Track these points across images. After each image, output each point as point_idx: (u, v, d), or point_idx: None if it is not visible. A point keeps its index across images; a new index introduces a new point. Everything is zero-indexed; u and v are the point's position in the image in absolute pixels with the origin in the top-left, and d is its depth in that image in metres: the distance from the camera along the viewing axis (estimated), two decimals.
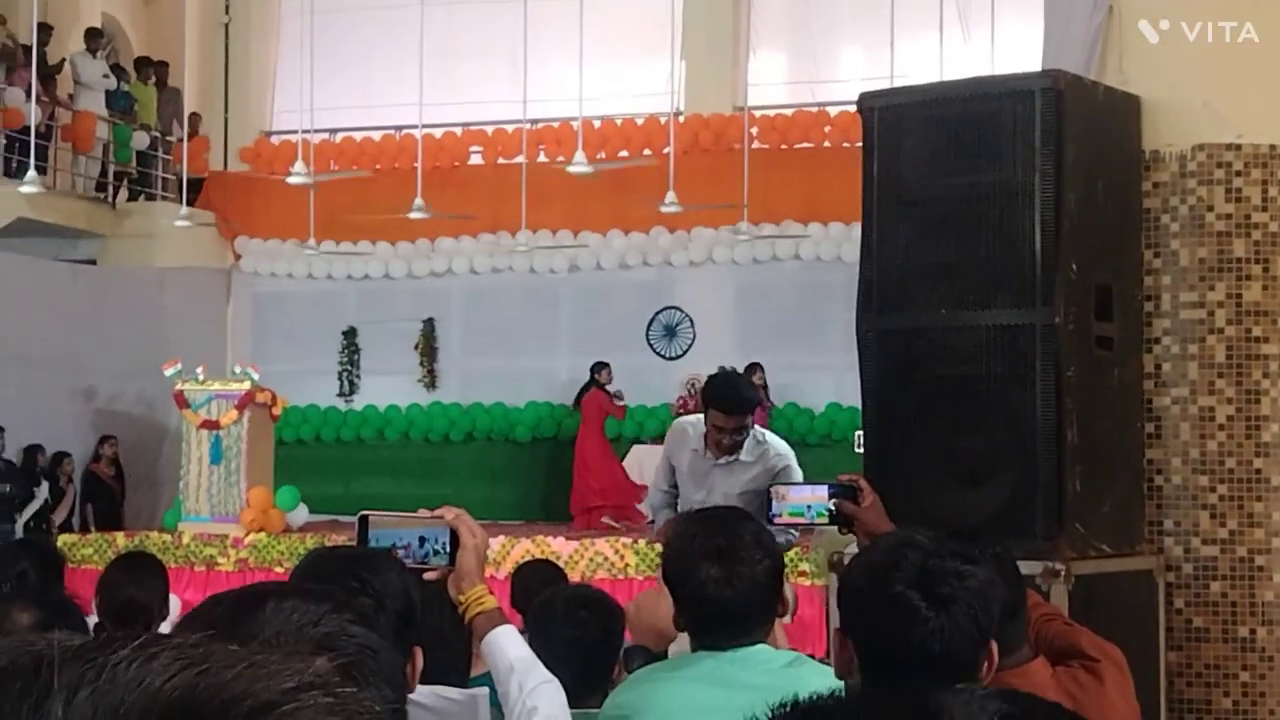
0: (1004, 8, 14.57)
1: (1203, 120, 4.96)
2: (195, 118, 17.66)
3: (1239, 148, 4.94)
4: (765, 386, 15.37)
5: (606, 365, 15.57)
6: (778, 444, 6.02)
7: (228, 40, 18.58)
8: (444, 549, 2.81)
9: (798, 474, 5.77)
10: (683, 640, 3.17)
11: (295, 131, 16.23)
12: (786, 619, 3.46)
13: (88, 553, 13.08)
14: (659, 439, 16.11)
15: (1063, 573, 4.36)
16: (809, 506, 3.76)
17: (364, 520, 2.85)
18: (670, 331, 16.77)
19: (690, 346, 16.63)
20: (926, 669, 2.16)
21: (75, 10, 17.22)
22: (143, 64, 17.84)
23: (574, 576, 11.02)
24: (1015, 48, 12.91)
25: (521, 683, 2.73)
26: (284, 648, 1.61)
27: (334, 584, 2.12)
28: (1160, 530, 4.88)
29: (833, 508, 3.68)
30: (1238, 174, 4.93)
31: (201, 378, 13.89)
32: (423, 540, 2.82)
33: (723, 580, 2.88)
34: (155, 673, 0.71)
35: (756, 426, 5.99)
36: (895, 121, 4.91)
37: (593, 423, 15.55)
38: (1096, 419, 4.65)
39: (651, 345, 16.75)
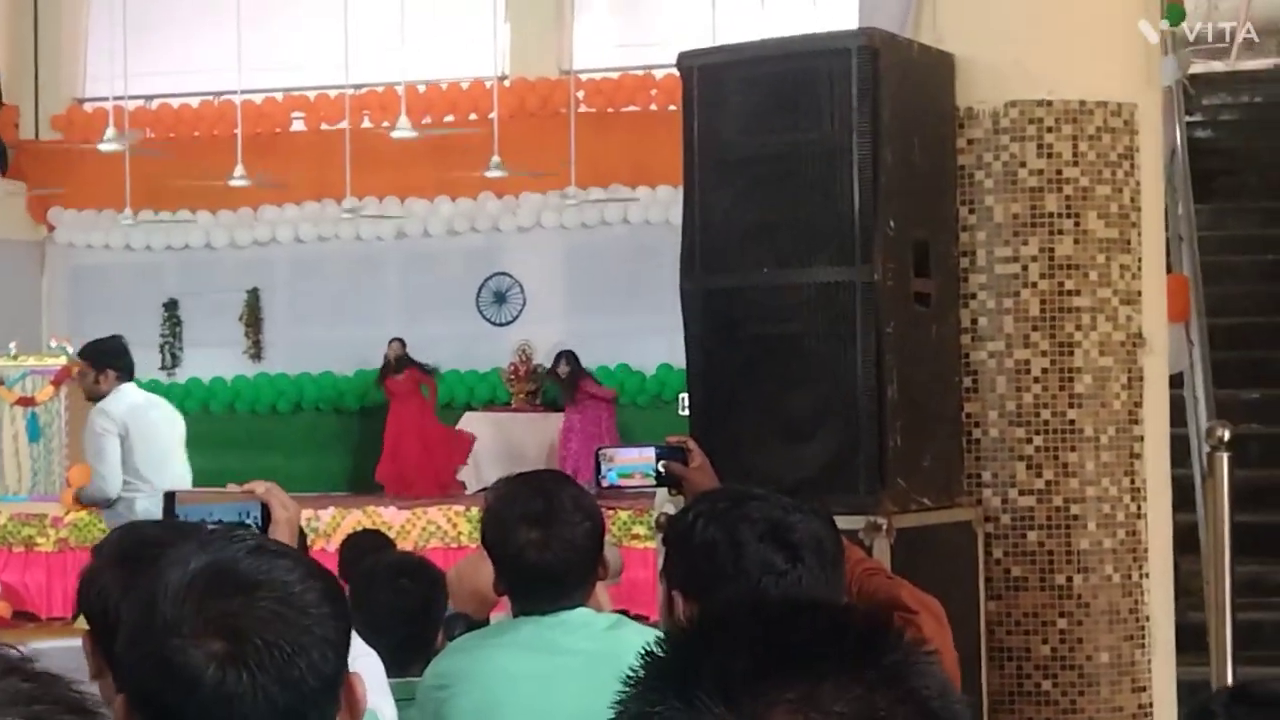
0: None
1: (1015, 77, 5.02)
2: None
3: (1050, 104, 5.01)
4: (572, 371, 15.25)
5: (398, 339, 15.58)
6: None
7: (36, 5, 17.97)
8: (256, 524, 2.73)
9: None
10: (505, 606, 3.14)
11: (108, 98, 15.78)
12: (610, 581, 3.44)
13: None
14: (490, 405, 16.10)
15: (885, 527, 4.40)
16: (637, 468, 3.74)
17: (170, 497, 2.76)
18: (500, 298, 16.69)
19: (521, 312, 16.57)
20: None
21: None
22: None
23: (406, 546, 10.92)
24: (835, 5, 13.01)
25: None
26: None
27: (143, 563, 1.99)
28: (979, 482, 4.96)
29: (661, 469, 3.67)
30: (1049, 130, 5.00)
31: (14, 353, 13.48)
32: (233, 516, 2.74)
33: (541, 544, 2.85)
34: None
35: (122, 388, 7.80)
36: (714, 80, 4.90)
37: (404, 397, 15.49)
38: (916, 375, 4.70)
39: (481, 312, 16.65)
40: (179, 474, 7.74)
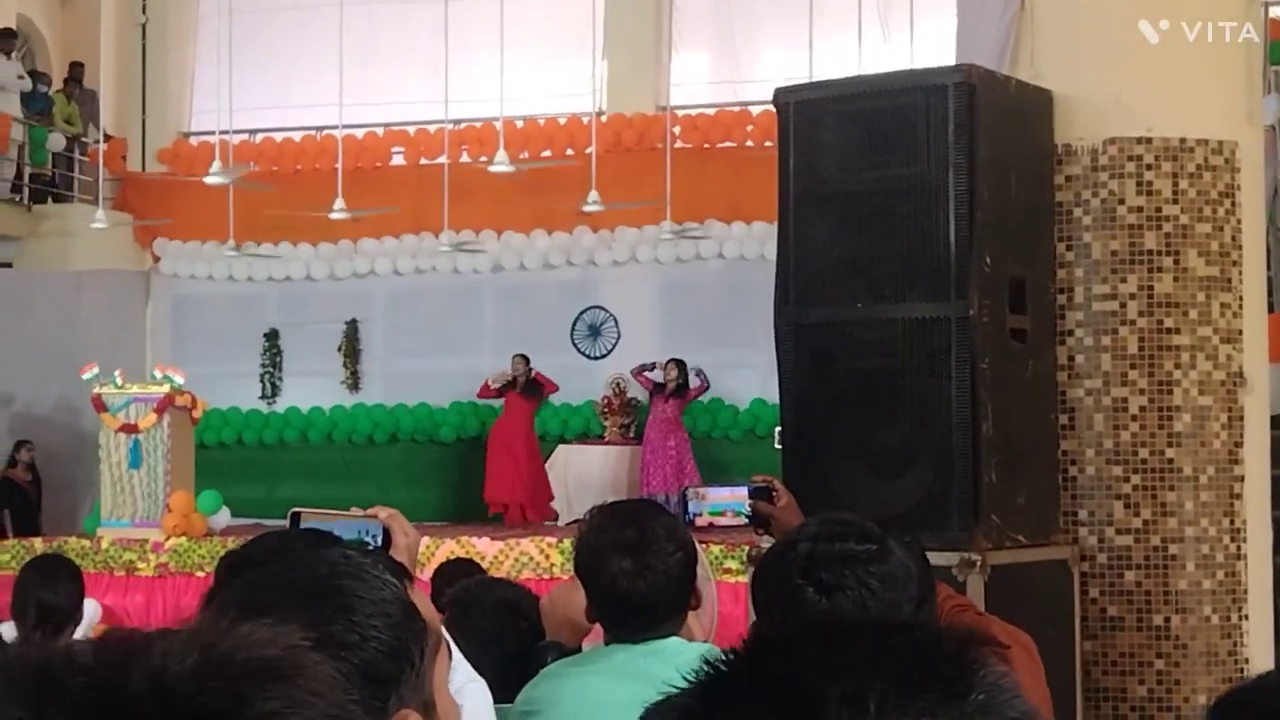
0: (922, 6, 14.67)
1: (1113, 114, 5.00)
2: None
3: (1149, 141, 4.99)
4: (678, 379, 15.21)
5: (523, 357, 15.55)
6: None
7: (145, 41, 18.36)
8: (375, 545, 2.77)
9: None
10: (597, 633, 3.16)
11: (214, 132, 16.07)
12: (702, 615, 3.45)
13: (4, 559, 12.88)
14: (584, 437, 16.16)
15: (979, 563, 4.39)
16: (729, 506, 3.79)
17: (295, 516, 2.79)
18: (594, 331, 16.75)
19: (615, 346, 16.61)
20: None
21: None
22: (73, 75, 17.61)
23: (499, 576, 10.99)
24: (933, 45, 13.00)
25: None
26: None
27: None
28: (1075, 520, 4.92)
29: (749, 508, 3.71)
30: (1148, 167, 4.98)
31: (119, 381, 13.73)
32: (353, 535, 2.77)
33: (634, 573, 2.86)
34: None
35: None
36: (811, 116, 4.92)
37: (521, 416, 15.48)
38: (1011, 411, 4.68)
39: (576, 345, 16.72)
40: None
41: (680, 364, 15.21)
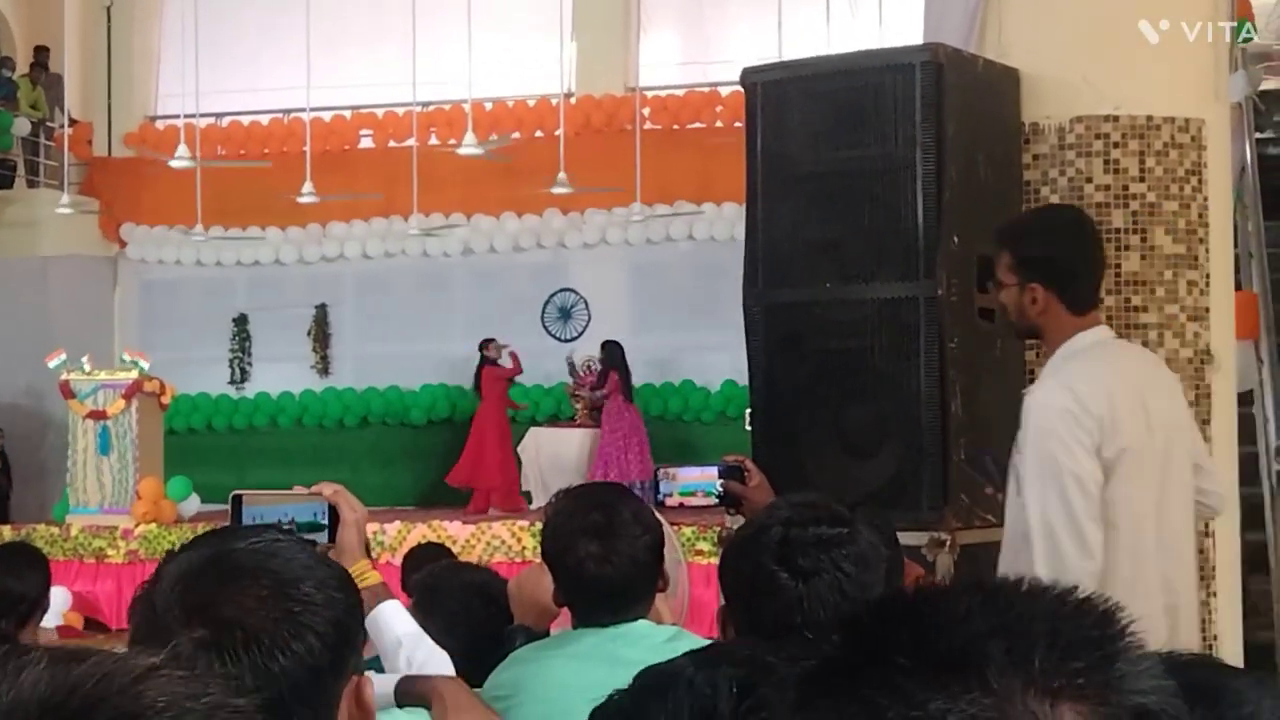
0: None
1: (1081, 92, 5.00)
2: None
3: (1116, 119, 4.98)
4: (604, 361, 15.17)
5: (492, 340, 15.41)
6: None
7: (110, 24, 18.24)
8: (324, 525, 2.75)
9: None
10: (565, 617, 3.15)
11: (180, 116, 15.98)
12: (672, 597, 3.45)
13: None
14: (555, 420, 16.14)
15: (948, 543, 4.39)
16: (699, 486, 3.79)
17: (237, 500, 2.77)
18: (565, 313, 16.74)
19: (585, 328, 16.60)
20: (796, 640, 2.15)
21: None
22: (39, 60, 17.47)
23: (471, 560, 10.96)
24: (901, 21, 12.99)
25: (410, 656, 2.70)
26: None
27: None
28: None
29: (720, 488, 3.71)
30: (1115, 145, 4.97)
31: (87, 367, 13.65)
32: (306, 516, 2.76)
33: (601, 557, 2.86)
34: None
35: None
36: (778, 96, 4.90)
37: (491, 401, 15.37)
38: (980, 390, 4.68)
39: (546, 327, 16.70)
40: None
41: (606, 346, 15.09)
